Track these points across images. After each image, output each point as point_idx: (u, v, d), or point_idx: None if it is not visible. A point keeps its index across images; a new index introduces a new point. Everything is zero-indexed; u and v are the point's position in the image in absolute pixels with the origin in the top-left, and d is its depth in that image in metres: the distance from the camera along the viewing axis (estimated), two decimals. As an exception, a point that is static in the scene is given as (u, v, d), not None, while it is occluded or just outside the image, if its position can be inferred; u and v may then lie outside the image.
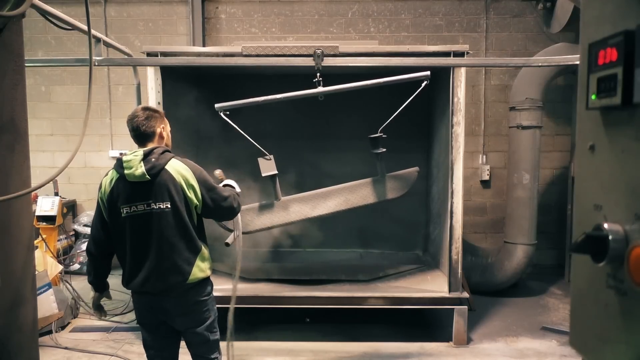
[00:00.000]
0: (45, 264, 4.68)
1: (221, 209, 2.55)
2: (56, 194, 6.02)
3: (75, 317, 4.77)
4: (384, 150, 3.96)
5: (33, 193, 2.20)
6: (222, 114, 3.62)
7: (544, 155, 6.10)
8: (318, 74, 3.75)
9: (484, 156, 6.66)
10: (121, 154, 2.54)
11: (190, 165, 2.49)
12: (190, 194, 2.44)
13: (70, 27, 3.43)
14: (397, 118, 3.79)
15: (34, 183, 1.85)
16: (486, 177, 6.62)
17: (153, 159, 2.39)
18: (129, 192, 2.40)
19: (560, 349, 4.15)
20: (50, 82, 6.78)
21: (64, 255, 6.03)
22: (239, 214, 2.75)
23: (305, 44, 3.93)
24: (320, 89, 3.74)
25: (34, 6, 2.89)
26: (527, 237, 5.28)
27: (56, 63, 5.66)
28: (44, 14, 3.16)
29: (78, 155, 2.31)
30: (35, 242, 4.66)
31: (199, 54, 4.26)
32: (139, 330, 4.41)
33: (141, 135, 2.52)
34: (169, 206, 2.40)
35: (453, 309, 4.20)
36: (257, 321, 4.48)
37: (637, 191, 0.90)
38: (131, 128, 2.52)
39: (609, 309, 0.97)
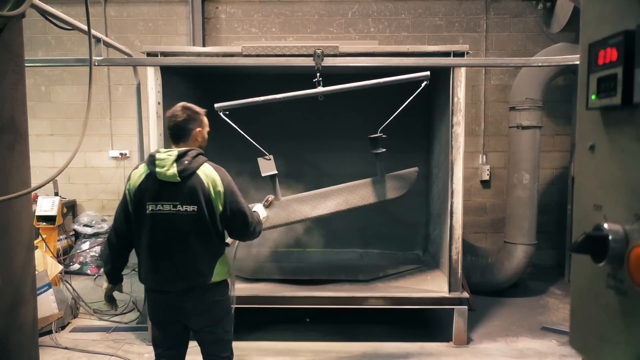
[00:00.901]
0: (45, 264, 4.68)
1: (237, 223, 2.51)
2: (56, 194, 6.02)
3: (75, 317, 4.77)
4: (384, 150, 3.96)
5: (33, 193, 2.20)
6: (221, 114, 3.62)
7: (544, 155, 6.10)
8: (318, 74, 3.75)
9: (484, 156, 6.66)
10: (155, 152, 2.51)
11: (221, 173, 2.47)
12: (216, 201, 2.43)
13: (70, 27, 3.43)
14: (397, 118, 3.79)
15: (34, 183, 1.85)
16: (486, 177, 6.62)
17: (186, 162, 2.39)
18: (158, 190, 2.40)
19: (560, 349, 4.15)
20: (50, 82, 6.78)
21: (64, 255, 6.02)
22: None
23: (305, 44, 3.93)
24: (320, 89, 3.74)
25: (34, 6, 2.89)
26: (527, 237, 5.28)
27: (56, 63, 5.67)
28: (44, 14, 3.16)
29: (78, 155, 2.31)
30: (35, 242, 4.66)
31: (199, 54, 4.26)
32: (139, 331, 4.45)
33: (176, 135, 2.52)
34: (196, 210, 2.39)
35: (453, 309, 4.20)
36: (257, 321, 4.48)
37: (637, 191, 0.90)
38: (168, 126, 2.53)
39: (609, 309, 0.97)
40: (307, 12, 6.60)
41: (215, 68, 4.88)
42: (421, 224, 5.83)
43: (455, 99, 4.09)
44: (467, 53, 4.03)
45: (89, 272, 6.28)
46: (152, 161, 2.42)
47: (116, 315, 4.82)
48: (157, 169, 2.38)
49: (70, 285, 4.92)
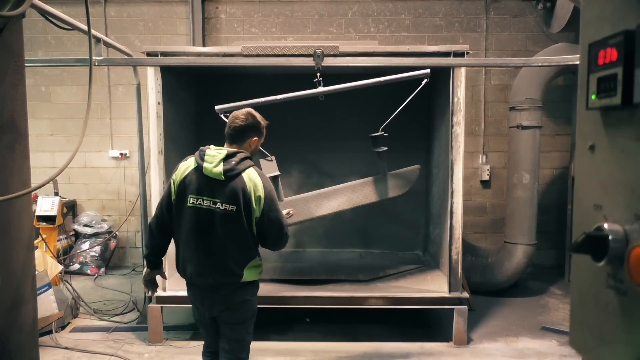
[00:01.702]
0: (45, 264, 4.68)
1: (273, 228, 2.54)
2: (56, 194, 6.02)
3: (75, 317, 4.77)
4: (385, 148, 3.96)
5: (33, 193, 2.20)
6: (222, 116, 3.62)
7: (544, 155, 6.11)
8: (318, 74, 3.75)
9: (484, 156, 6.66)
10: (202, 148, 2.59)
11: (263, 179, 2.54)
12: (255, 205, 2.48)
13: (70, 27, 3.43)
14: (398, 118, 3.79)
15: (34, 183, 1.85)
16: (486, 177, 6.62)
17: (233, 162, 2.46)
18: (201, 184, 2.47)
19: (560, 349, 4.15)
20: (50, 82, 6.78)
21: (64, 255, 6.03)
22: None
23: (305, 44, 3.93)
24: (321, 89, 3.74)
25: (34, 6, 2.89)
26: (527, 237, 5.28)
27: (56, 63, 5.66)
28: (44, 14, 3.16)
29: (78, 155, 2.31)
30: (35, 242, 4.66)
31: (199, 54, 4.26)
32: (139, 330, 4.45)
33: (230, 137, 2.60)
34: (234, 210, 2.45)
35: (453, 309, 4.20)
36: (257, 321, 4.47)
37: (637, 191, 0.90)
38: (228, 126, 2.61)
39: (609, 309, 0.97)
40: (307, 12, 6.60)
41: (215, 68, 4.88)
42: (421, 224, 5.84)
43: (455, 99, 4.09)
44: (467, 53, 4.03)
45: (89, 272, 6.28)
46: (201, 156, 2.50)
47: (116, 315, 4.82)
48: (205, 164, 2.46)
49: (70, 285, 4.92)
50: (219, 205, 2.45)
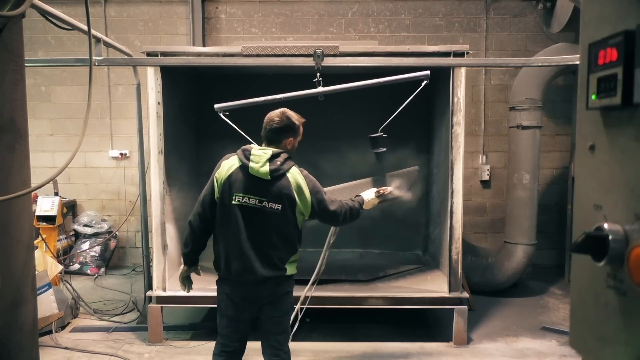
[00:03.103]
0: (45, 264, 4.68)
1: (325, 215, 2.75)
2: (56, 194, 6.02)
3: (75, 317, 4.77)
4: (385, 149, 3.96)
5: (33, 193, 2.20)
6: (221, 115, 3.62)
7: (544, 155, 6.10)
8: (318, 74, 3.75)
9: (484, 156, 6.66)
10: (246, 146, 2.68)
11: (306, 176, 2.66)
12: (300, 202, 2.60)
13: (70, 27, 3.43)
14: (397, 118, 3.78)
15: (34, 183, 1.85)
16: (486, 177, 6.62)
17: (278, 162, 2.56)
18: (247, 183, 2.55)
19: (560, 349, 4.15)
20: (50, 82, 6.78)
21: (64, 255, 6.02)
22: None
23: (305, 44, 3.93)
24: (320, 89, 3.73)
25: (34, 6, 2.89)
26: (527, 237, 5.28)
27: (56, 63, 5.67)
28: (44, 14, 3.16)
29: (78, 155, 2.31)
30: (35, 242, 4.66)
31: (199, 54, 4.26)
32: (139, 330, 4.45)
33: (269, 139, 2.68)
34: (280, 208, 2.55)
35: (453, 309, 4.20)
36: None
37: (637, 191, 0.90)
38: (264, 127, 2.68)
39: (609, 309, 0.97)
40: (307, 12, 6.60)
41: (215, 68, 4.88)
42: (421, 224, 5.83)
43: (455, 99, 4.09)
44: (467, 53, 4.03)
45: (89, 272, 6.28)
46: (246, 155, 2.58)
47: (116, 315, 4.82)
48: (251, 164, 2.53)
49: (70, 285, 4.92)
50: (265, 203, 2.54)
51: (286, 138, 2.68)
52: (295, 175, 2.60)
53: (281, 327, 2.75)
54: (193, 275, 2.94)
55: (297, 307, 3.45)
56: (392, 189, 3.28)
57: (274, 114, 2.68)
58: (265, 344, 2.78)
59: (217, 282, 2.75)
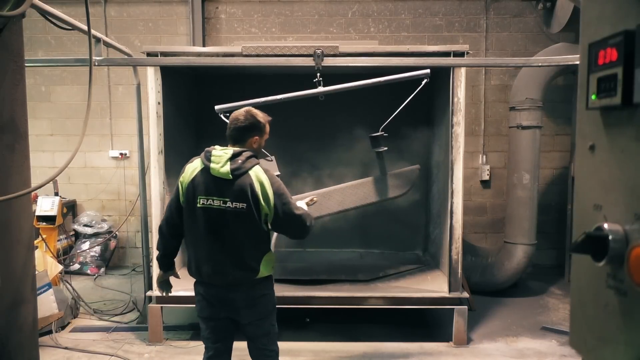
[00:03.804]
0: (45, 264, 4.68)
1: (291, 221, 2.59)
2: (56, 194, 6.02)
3: (75, 317, 4.77)
4: (385, 148, 3.96)
5: (33, 193, 2.20)
6: (221, 116, 3.62)
7: (544, 155, 6.10)
8: (318, 74, 3.75)
9: (484, 156, 6.66)
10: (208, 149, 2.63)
11: (270, 176, 2.58)
12: (264, 202, 2.51)
13: (70, 27, 3.43)
14: (397, 118, 3.79)
15: (34, 183, 1.85)
16: (486, 177, 6.62)
17: (240, 161, 2.50)
18: (210, 185, 2.51)
19: (560, 349, 4.15)
20: (50, 82, 6.78)
21: (64, 255, 6.02)
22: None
23: (305, 44, 3.93)
24: (321, 89, 3.74)
25: (34, 6, 2.89)
26: (527, 237, 5.28)
27: (56, 63, 5.66)
28: (44, 14, 3.16)
29: (78, 155, 2.31)
30: (35, 242, 4.65)
31: (199, 54, 4.26)
32: (139, 330, 4.45)
33: (232, 138, 2.63)
34: (244, 207, 2.49)
35: (453, 309, 4.19)
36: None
37: (637, 191, 0.90)
38: (228, 127, 2.64)
39: (609, 309, 0.97)
40: (307, 12, 6.60)
41: (215, 68, 4.88)
42: (421, 224, 5.83)
43: (455, 99, 4.09)
44: (467, 53, 4.03)
45: (89, 272, 6.28)
46: (207, 157, 2.54)
47: (116, 315, 4.82)
48: (212, 165, 2.49)
49: (70, 285, 4.92)
50: (229, 204, 2.49)
51: (251, 137, 2.62)
52: (258, 173, 2.52)
53: (263, 329, 2.69)
54: (176, 280, 2.91)
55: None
56: (317, 199, 3.20)
57: (239, 113, 2.63)
58: (251, 346, 2.76)
59: (194, 285, 2.71)
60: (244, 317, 2.64)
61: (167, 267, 2.81)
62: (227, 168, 2.47)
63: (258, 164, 2.58)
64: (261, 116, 2.67)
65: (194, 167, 2.57)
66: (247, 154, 2.54)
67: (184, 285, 4.37)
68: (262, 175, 2.53)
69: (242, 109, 2.66)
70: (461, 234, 4.18)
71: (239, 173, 2.48)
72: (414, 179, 4.21)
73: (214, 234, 2.52)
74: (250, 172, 2.51)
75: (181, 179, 2.58)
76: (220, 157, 2.50)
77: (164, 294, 2.94)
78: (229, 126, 2.62)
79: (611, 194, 0.98)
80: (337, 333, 4.41)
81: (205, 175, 2.51)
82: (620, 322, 0.94)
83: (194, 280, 2.69)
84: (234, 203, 2.48)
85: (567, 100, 6.49)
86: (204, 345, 2.76)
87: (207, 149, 2.59)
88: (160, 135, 4.21)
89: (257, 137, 2.64)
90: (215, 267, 2.54)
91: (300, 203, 2.89)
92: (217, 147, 2.58)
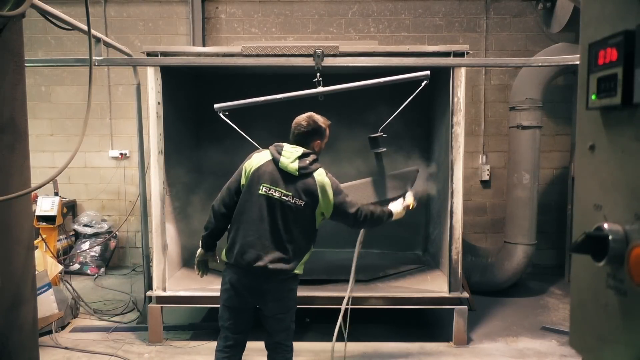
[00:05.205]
0: (45, 264, 4.68)
1: (344, 216, 2.81)
2: (56, 194, 6.02)
3: (75, 317, 4.77)
4: (384, 149, 3.96)
5: (33, 193, 2.20)
6: (221, 115, 3.62)
7: (544, 155, 6.10)
8: (318, 74, 3.75)
9: (484, 156, 6.66)
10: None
11: (330, 178, 2.76)
12: (323, 202, 2.70)
13: (70, 27, 3.43)
14: (397, 118, 3.78)
15: (34, 183, 1.85)
16: (486, 177, 6.62)
17: (307, 162, 2.70)
18: (275, 176, 2.67)
19: (560, 349, 4.15)
20: (50, 82, 6.78)
21: (64, 255, 6.02)
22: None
23: (305, 44, 3.93)
24: (320, 89, 3.73)
25: (34, 6, 2.89)
26: (527, 237, 5.28)
27: (56, 63, 5.67)
28: (44, 14, 3.16)
29: (78, 155, 2.31)
30: (35, 242, 4.66)
31: (199, 54, 4.26)
32: (139, 330, 4.45)
33: (297, 142, 2.79)
34: (302, 205, 2.66)
35: (453, 309, 4.19)
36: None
37: (637, 191, 0.90)
38: (292, 131, 2.82)
39: (609, 309, 0.97)
40: (307, 12, 6.60)
41: (215, 68, 4.87)
42: (421, 224, 5.83)
43: (455, 99, 4.09)
44: (467, 53, 4.03)
45: (89, 272, 6.28)
46: (278, 150, 2.71)
47: (116, 315, 4.82)
48: (282, 159, 2.67)
49: (70, 285, 4.92)
50: (289, 198, 2.65)
51: (314, 141, 2.80)
52: (322, 176, 2.70)
53: (284, 324, 2.80)
54: (193, 276, 2.96)
55: (342, 307, 3.51)
56: (415, 203, 3.43)
57: (301, 119, 2.80)
58: (268, 340, 2.86)
59: (224, 271, 2.78)
60: (269, 310, 2.74)
61: (209, 247, 2.89)
62: (295, 165, 2.65)
63: (321, 166, 2.76)
64: (322, 121, 2.84)
65: (262, 156, 2.74)
66: (313, 156, 2.74)
67: (184, 285, 4.39)
68: (325, 178, 2.71)
69: (304, 115, 2.84)
70: (461, 234, 4.18)
71: (305, 172, 2.66)
72: (413, 180, 4.21)
73: (267, 222, 2.65)
74: (315, 174, 2.69)
75: (246, 164, 2.74)
76: (291, 153, 2.68)
77: (199, 274, 2.99)
78: (293, 131, 2.80)
79: (611, 194, 0.98)
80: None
81: (273, 167, 2.68)
82: (620, 322, 0.94)
83: (225, 267, 2.77)
84: (294, 198, 2.65)
85: (567, 100, 6.49)
86: (220, 334, 2.82)
87: (277, 143, 2.76)
88: (160, 135, 4.20)
89: (319, 141, 2.84)
90: (260, 254, 2.63)
91: (396, 203, 3.24)
92: (286, 144, 2.75)
